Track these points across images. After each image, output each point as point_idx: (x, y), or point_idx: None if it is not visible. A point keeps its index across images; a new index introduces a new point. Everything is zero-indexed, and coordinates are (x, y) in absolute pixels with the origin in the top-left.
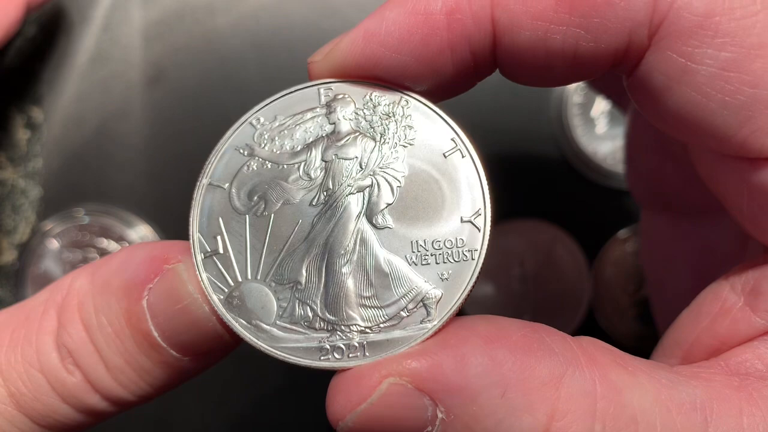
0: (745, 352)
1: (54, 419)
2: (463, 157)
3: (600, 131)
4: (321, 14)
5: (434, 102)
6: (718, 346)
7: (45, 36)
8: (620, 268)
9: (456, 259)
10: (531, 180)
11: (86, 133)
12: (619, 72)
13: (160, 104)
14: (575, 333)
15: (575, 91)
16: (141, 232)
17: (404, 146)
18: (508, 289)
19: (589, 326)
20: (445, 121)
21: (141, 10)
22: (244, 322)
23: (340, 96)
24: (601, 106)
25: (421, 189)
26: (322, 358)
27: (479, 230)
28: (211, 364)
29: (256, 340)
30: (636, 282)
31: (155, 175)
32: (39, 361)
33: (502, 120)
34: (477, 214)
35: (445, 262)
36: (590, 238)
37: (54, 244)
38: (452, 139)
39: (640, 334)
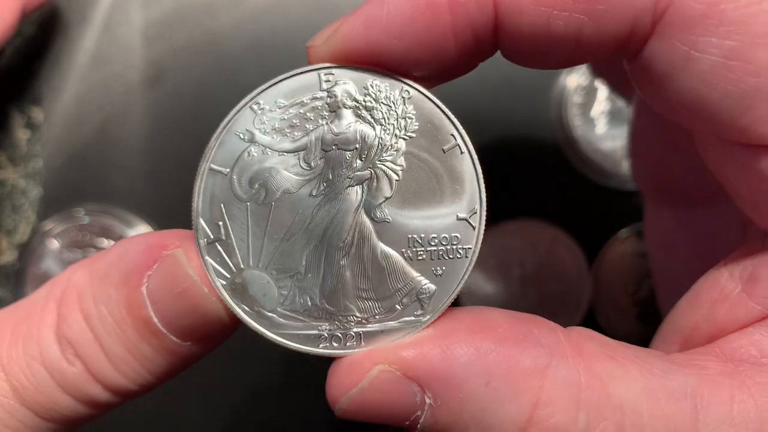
0: (740, 338)
1: (57, 411)
2: (461, 153)
3: (600, 131)
4: (321, 14)
5: (434, 85)
6: (716, 333)
7: (45, 36)
8: (620, 268)
9: (450, 256)
10: (531, 180)
11: (86, 134)
12: (622, 56)
13: (160, 104)
14: None
15: (575, 91)
16: (141, 232)
17: (404, 138)
18: (508, 289)
19: (589, 326)
20: (446, 115)
21: (141, 11)
22: (246, 308)
23: (341, 82)
24: (601, 106)
25: (419, 184)
26: (320, 345)
27: (474, 228)
28: (210, 349)
29: (258, 326)
30: (636, 282)
31: (155, 176)
32: (40, 354)
33: (502, 119)
34: (473, 212)
35: (439, 259)
36: (590, 238)
37: (54, 244)
38: (452, 135)
39: (640, 334)
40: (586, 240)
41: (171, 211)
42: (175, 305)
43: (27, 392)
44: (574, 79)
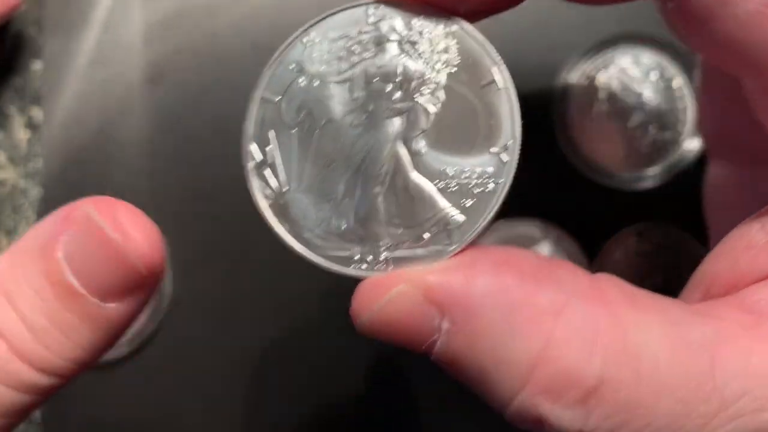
0: (762, 290)
1: None
2: (498, 89)
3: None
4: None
5: (479, 19)
6: (736, 282)
7: (45, 36)
8: (621, 269)
9: (480, 189)
10: (531, 180)
11: (86, 133)
12: None
13: (160, 105)
14: None
15: (575, 90)
16: None
17: (445, 73)
18: None
19: None
20: (488, 52)
21: (141, 11)
22: (286, 229)
23: (387, 17)
24: (601, 106)
25: (456, 118)
26: (352, 266)
27: (505, 163)
28: (135, 312)
29: (298, 245)
30: (636, 282)
31: (155, 175)
32: None
33: None
34: (505, 147)
35: (469, 191)
36: (590, 238)
37: None
38: (492, 71)
39: None
40: (586, 240)
41: (171, 210)
42: (91, 261)
43: None
44: (575, 78)
